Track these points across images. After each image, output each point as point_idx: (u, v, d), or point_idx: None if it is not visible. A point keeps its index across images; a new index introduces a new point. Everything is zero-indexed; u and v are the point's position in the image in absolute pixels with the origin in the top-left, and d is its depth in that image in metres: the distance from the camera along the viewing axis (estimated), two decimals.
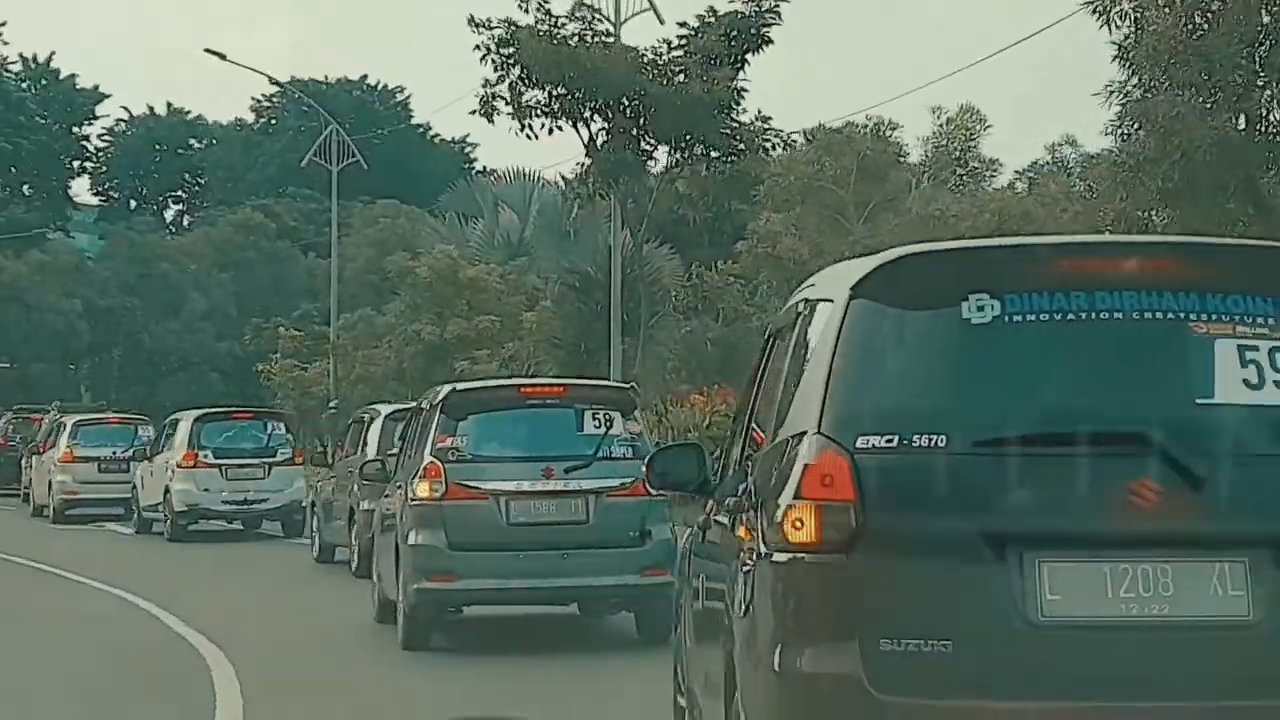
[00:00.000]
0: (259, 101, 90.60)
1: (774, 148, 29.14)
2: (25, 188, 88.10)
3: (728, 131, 28.15)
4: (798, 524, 5.53)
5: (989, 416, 5.55)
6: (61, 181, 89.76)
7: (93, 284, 65.44)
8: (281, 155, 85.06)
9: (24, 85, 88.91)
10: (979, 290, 5.64)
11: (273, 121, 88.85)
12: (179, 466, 27.28)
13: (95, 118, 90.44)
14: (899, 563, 5.48)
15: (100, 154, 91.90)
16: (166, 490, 27.52)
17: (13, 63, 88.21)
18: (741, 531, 6.13)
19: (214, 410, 30.07)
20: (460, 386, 14.86)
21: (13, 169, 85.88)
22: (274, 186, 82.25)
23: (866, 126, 31.91)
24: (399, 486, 14.56)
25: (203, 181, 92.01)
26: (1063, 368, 5.62)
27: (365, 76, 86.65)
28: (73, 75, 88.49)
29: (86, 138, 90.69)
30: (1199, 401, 5.55)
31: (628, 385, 15.91)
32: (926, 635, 5.38)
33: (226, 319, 66.52)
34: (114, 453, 31.09)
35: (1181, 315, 5.61)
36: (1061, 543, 5.44)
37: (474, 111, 28.03)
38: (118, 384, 63.91)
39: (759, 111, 28.69)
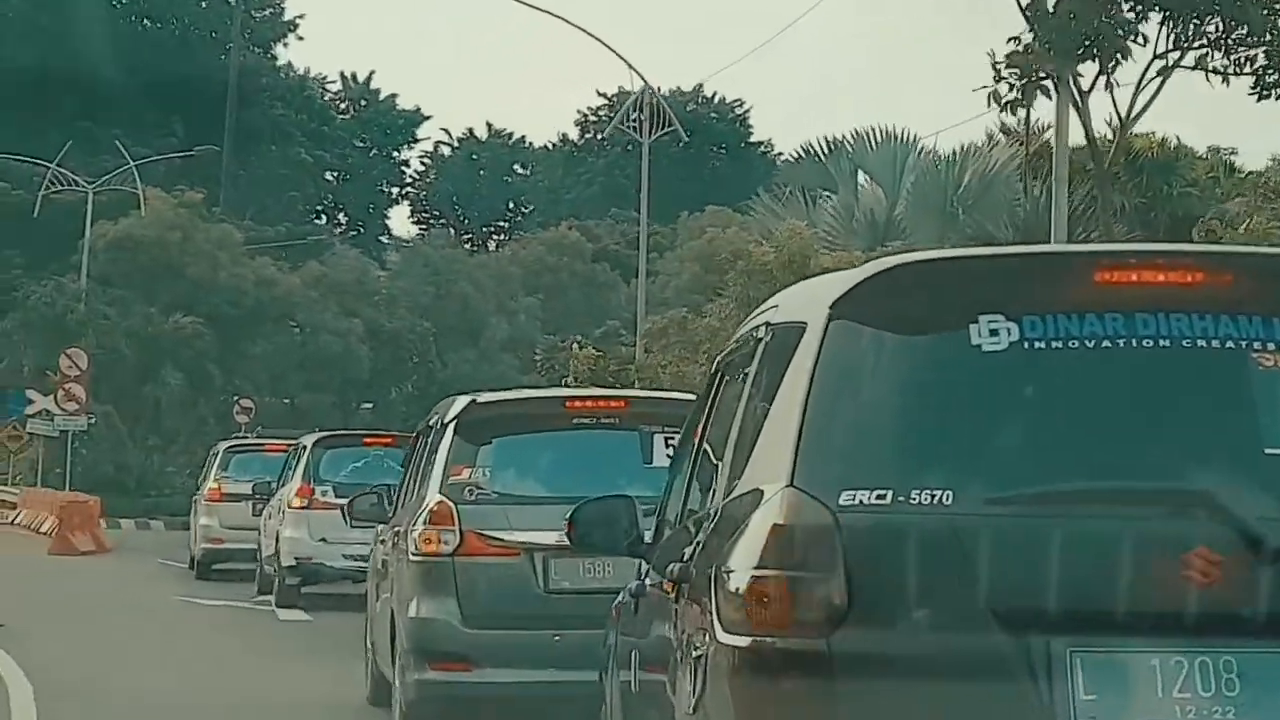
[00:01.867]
0: (584, 115, 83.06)
1: None
2: (341, 215, 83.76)
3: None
4: (763, 600, 4.44)
5: (1006, 468, 4.53)
6: (380, 210, 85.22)
7: (378, 302, 57.00)
8: (606, 173, 78.29)
9: (342, 106, 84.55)
10: (992, 310, 4.62)
11: (598, 137, 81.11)
12: (290, 507, 20.19)
13: (415, 141, 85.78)
14: (892, 651, 4.39)
15: (419, 179, 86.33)
16: (277, 538, 20.49)
17: (331, 81, 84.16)
18: (689, 606, 4.98)
19: (339, 433, 23.30)
20: (482, 398, 11.11)
21: (329, 197, 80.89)
22: (596, 207, 74.83)
23: None
24: (396, 532, 11.08)
25: (527, 211, 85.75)
26: (1097, 408, 4.60)
27: (700, 86, 77.71)
28: (393, 95, 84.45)
29: (406, 163, 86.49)
30: (1269, 451, 4.57)
31: None
32: None
33: (530, 348, 57.80)
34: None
35: (1245, 344, 4.63)
36: (1098, 628, 4.42)
37: None
38: (404, 420, 54.98)
39: None
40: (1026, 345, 4.58)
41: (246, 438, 33.58)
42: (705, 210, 56.37)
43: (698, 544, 5.11)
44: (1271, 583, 4.38)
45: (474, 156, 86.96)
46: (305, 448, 21.20)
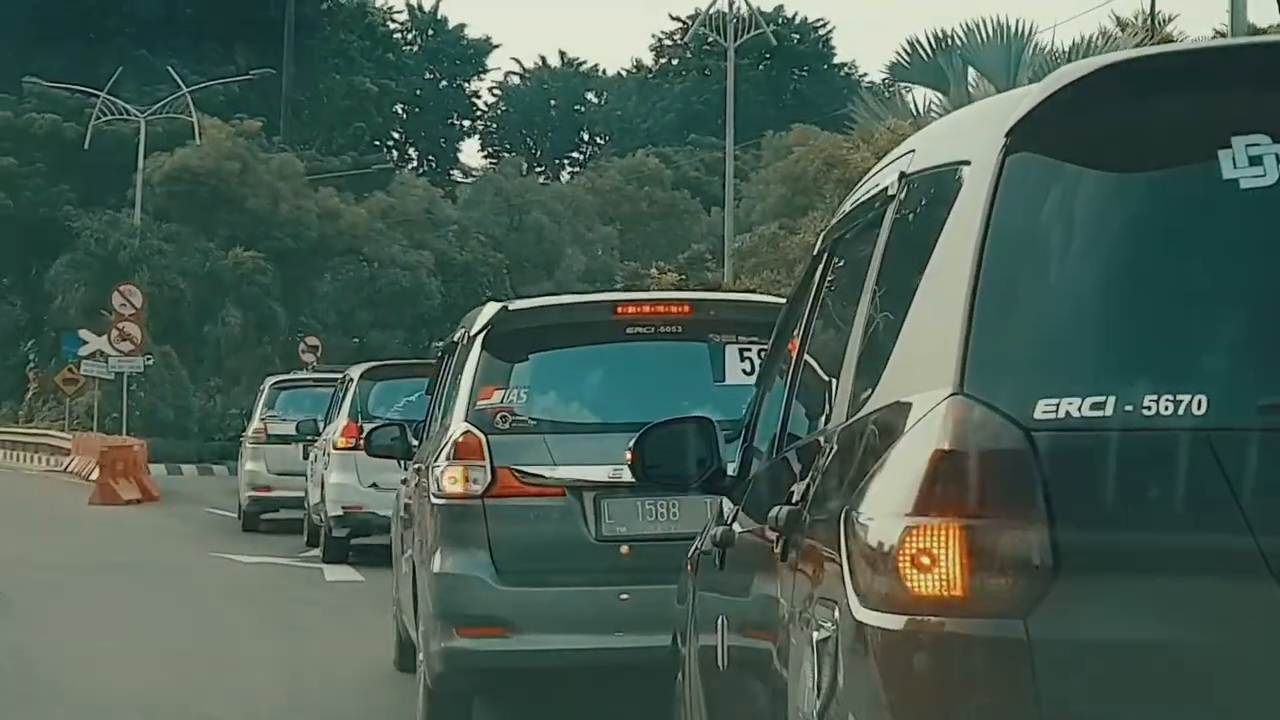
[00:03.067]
0: (659, 40, 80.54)
1: None
2: (410, 149, 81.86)
3: None
4: (924, 561, 3.11)
5: None
6: (451, 144, 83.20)
7: (449, 234, 54.54)
8: (683, 99, 75.98)
9: (409, 37, 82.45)
10: (1252, 128, 3.23)
11: (674, 62, 78.53)
12: (336, 448, 17.85)
13: (485, 71, 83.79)
14: (1123, 636, 3.03)
15: (490, 111, 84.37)
16: (322, 484, 18.21)
17: (398, 11, 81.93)
18: (804, 566, 3.72)
19: (388, 363, 21.33)
20: (515, 305, 9.31)
21: (399, 131, 78.93)
22: (673, 135, 72.39)
23: None
24: (418, 470, 9.35)
25: (601, 142, 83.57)
26: None
27: (780, 7, 74.67)
28: (461, 25, 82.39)
29: (476, 94, 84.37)
30: None
31: None
32: None
33: (608, 280, 55.38)
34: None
35: None
36: None
37: None
38: None
39: None
40: None
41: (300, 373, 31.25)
42: (791, 129, 53.55)
43: (811, 481, 3.85)
44: None
45: (545, 85, 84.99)
46: (352, 380, 18.74)
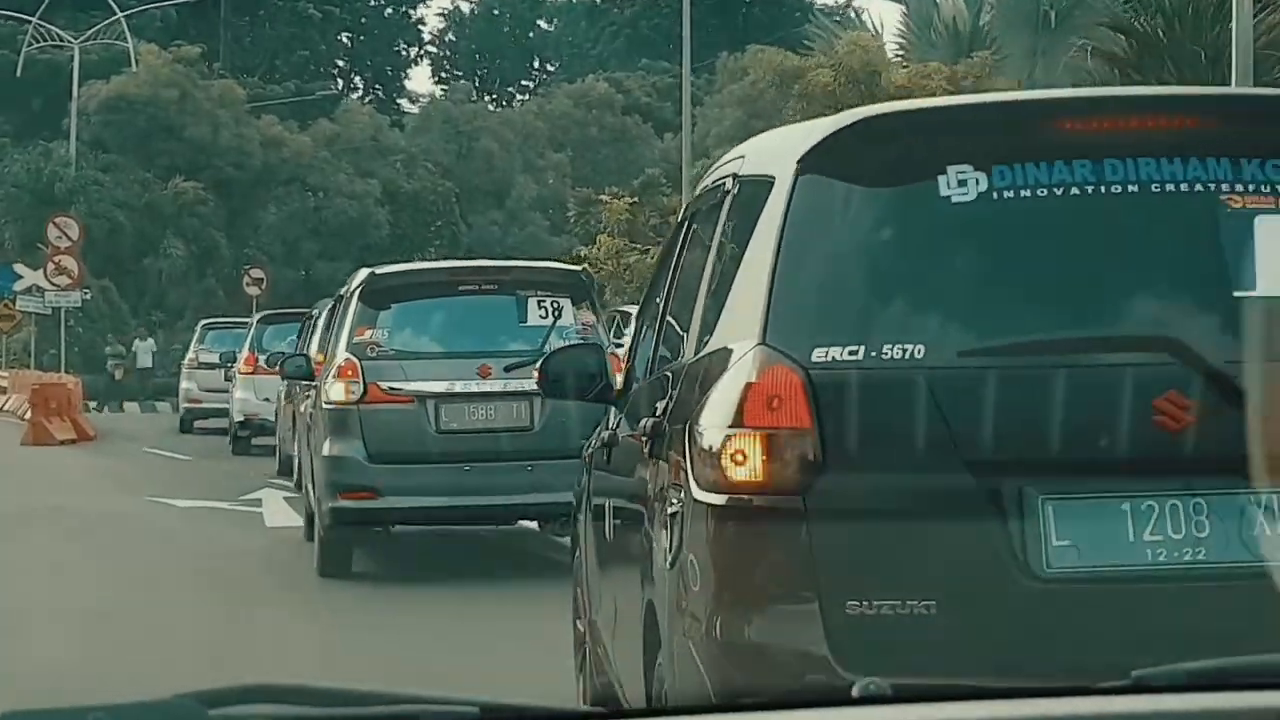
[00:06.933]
0: None
1: None
2: (356, 78, 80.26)
3: None
4: (738, 458, 4.49)
5: (977, 320, 4.59)
6: (398, 72, 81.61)
7: (396, 162, 53.15)
8: (632, 24, 74.42)
9: None
10: (961, 160, 4.61)
11: None
12: (240, 373, 24.90)
13: None
14: (869, 505, 4.48)
15: (438, 38, 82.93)
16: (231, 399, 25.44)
17: None
18: (663, 462, 5.03)
19: (277, 311, 28.69)
20: (381, 270, 13.52)
21: (344, 59, 77.34)
22: (623, 60, 71.03)
23: None
24: (315, 387, 13.88)
25: (552, 68, 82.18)
26: (1067, 256, 4.67)
27: None
28: None
29: (422, 21, 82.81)
30: (1237, 294, 4.54)
31: (579, 267, 14.33)
32: (904, 595, 4.37)
33: (560, 208, 54.20)
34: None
35: (1214, 186, 4.60)
36: (1070, 474, 4.47)
37: None
38: None
39: None
40: (995, 195, 4.57)
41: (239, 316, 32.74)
42: (746, 50, 52.32)
43: (669, 400, 5.09)
44: (1239, 425, 4.37)
45: (495, 13, 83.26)
46: (252, 324, 26.06)
